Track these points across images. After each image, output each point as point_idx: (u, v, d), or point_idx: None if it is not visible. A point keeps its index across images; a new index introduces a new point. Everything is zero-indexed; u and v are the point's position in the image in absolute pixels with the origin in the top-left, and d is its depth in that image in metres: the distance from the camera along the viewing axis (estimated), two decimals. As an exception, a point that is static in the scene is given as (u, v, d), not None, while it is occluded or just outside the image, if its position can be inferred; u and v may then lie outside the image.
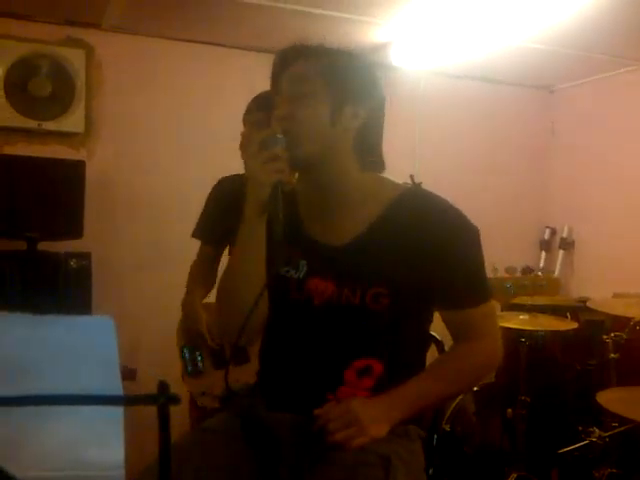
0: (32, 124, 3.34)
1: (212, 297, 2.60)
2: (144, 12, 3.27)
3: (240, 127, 2.55)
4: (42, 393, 0.70)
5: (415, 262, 1.42)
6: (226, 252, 2.62)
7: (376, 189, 1.49)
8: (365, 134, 1.46)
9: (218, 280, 2.57)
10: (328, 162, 1.44)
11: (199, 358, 2.48)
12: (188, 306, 2.51)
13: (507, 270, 2.89)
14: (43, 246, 3.20)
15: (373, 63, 1.55)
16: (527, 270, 3.03)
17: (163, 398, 0.69)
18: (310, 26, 3.35)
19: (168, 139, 3.60)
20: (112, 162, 3.50)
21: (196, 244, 2.64)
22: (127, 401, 0.70)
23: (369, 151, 1.49)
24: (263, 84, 2.63)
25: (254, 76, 3.47)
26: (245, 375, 2.32)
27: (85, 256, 3.26)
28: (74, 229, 3.25)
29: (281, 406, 1.48)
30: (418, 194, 1.51)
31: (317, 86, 1.41)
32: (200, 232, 2.61)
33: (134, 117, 3.55)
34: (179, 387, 2.35)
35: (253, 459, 1.43)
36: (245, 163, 1.43)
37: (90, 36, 3.47)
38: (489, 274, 1.55)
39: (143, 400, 0.70)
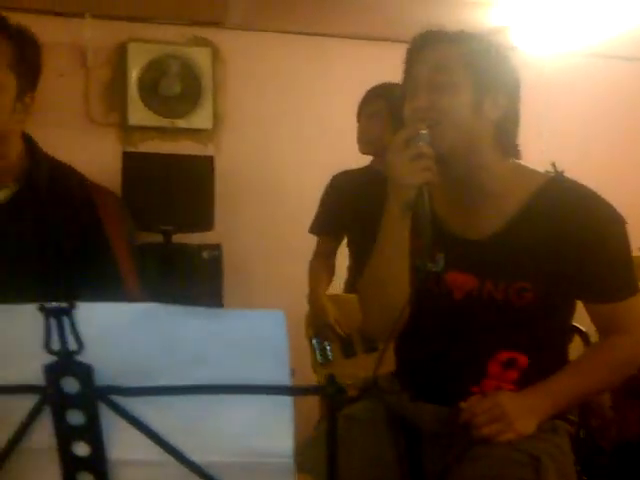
0: (164, 122, 3.51)
1: (334, 289, 2.73)
2: (264, 9, 3.34)
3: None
4: (217, 383, 0.74)
5: (560, 255, 1.38)
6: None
7: (517, 179, 1.45)
8: (505, 123, 1.43)
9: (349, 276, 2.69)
10: (469, 154, 1.40)
11: (328, 348, 2.54)
12: (315, 300, 2.60)
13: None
14: (177, 238, 3.36)
15: (508, 47, 1.50)
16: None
17: (332, 389, 0.71)
18: (427, 11, 3.31)
19: (292, 133, 3.66)
20: (239, 156, 3.61)
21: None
22: (297, 391, 0.72)
23: (509, 140, 1.45)
24: (384, 74, 2.66)
25: (374, 66, 3.50)
26: (373, 363, 2.36)
27: (216, 247, 3.40)
28: (205, 222, 3.39)
29: (424, 397, 1.48)
30: (562, 183, 1.45)
31: (459, 75, 1.38)
32: (318, 228, 2.72)
33: (258, 112, 3.64)
34: (306, 377, 2.40)
35: (397, 449, 1.44)
36: (388, 162, 1.40)
37: (214, 35, 3.59)
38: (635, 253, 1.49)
39: (312, 390, 0.72)
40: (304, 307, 2.66)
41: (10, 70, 1.48)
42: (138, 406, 0.76)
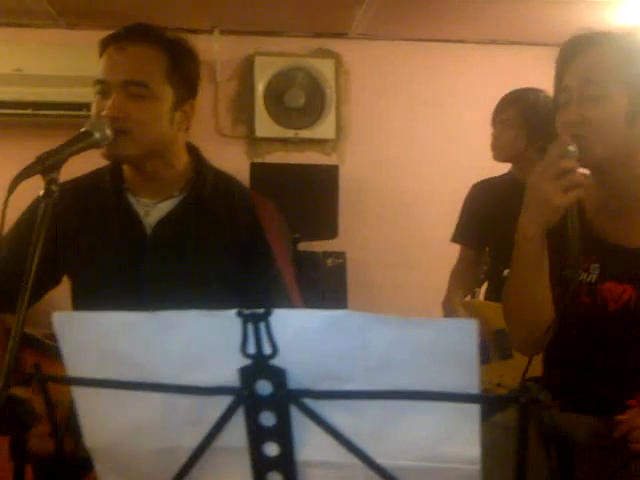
0: (289, 133, 3.59)
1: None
2: (390, 17, 3.35)
3: (486, 124, 2.54)
4: (406, 389, 0.75)
5: None
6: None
7: None
8: None
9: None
10: (624, 164, 1.36)
11: None
12: (447, 305, 2.58)
13: None
14: (303, 246, 3.42)
15: None
16: None
17: (525, 398, 0.70)
18: (553, 12, 3.23)
19: (415, 140, 3.66)
20: (362, 165, 3.64)
21: (446, 246, 2.69)
22: (488, 400, 0.72)
23: None
24: (512, 78, 2.61)
25: (502, 71, 3.44)
26: (508, 370, 2.32)
27: (340, 255, 3.45)
28: (330, 230, 3.45)
29: (575, 408, 1.44)
30: None
31: (610, 85, 1.32)
32: (460, 236, 2.69)
33: (381, 120, 3.66)
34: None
35: (549, 461, 1.41)
36: (531, 182, 1.32)
37: (338, 45, 3.65)
38: None
39: (504, 399, 0.72)
40: (428, 315, 2.64)
41: (166, 81, 1.53)
42: (327, 409, 0.78)
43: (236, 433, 0.80)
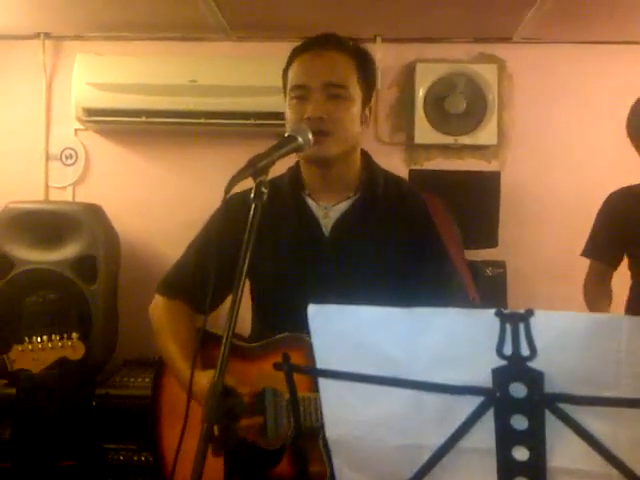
0: (449, 140, 3.54)
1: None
2: (558, 19, 3.23)
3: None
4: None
5: None
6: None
7: None
8: None
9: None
10: None
11: None
12: None
13: None
14: (462, 254, 3.37)
15: None
16: None
17: None
18: None
19: (582, 147, 3.51)
20: (523, 172, 3.53)
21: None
22: None
23: None
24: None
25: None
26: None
27: (500, 264, 3.36)
28: (489, 238, 3.37)
29: None
30: None
31: None
32: (590, 250, 2.61)
33: (545, 126, 3.54)
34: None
35: None
36: None
37: (501, 50, 3.57)
38: None
39: None
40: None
41: (357, 84, 1.64)
42: (583, 415, 0.76)
43: (483, 434, 0.80)
